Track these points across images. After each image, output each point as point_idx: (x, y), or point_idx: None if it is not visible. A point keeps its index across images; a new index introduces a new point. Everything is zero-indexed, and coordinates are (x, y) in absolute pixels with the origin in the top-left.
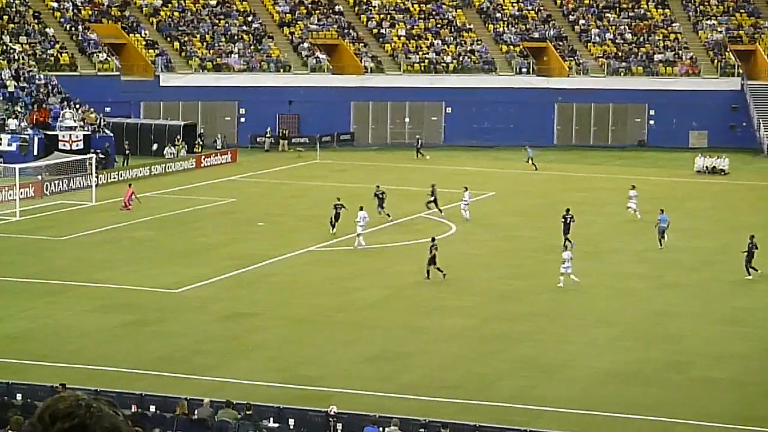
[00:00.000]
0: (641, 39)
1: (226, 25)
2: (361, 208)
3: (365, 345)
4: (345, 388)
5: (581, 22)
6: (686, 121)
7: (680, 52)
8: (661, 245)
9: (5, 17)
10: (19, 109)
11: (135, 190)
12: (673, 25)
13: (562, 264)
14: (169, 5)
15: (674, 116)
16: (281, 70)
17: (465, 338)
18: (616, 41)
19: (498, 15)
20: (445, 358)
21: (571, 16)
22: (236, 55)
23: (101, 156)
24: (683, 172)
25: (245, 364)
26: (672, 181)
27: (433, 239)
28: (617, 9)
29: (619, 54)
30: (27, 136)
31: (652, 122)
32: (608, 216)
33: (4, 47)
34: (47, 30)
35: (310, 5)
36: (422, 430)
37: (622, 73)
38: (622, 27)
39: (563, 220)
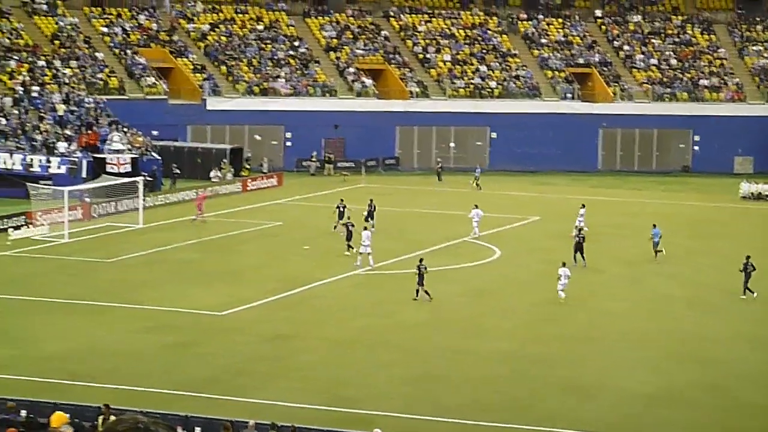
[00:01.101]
0: (686, 65)
1: (273, 49)
2: (365, 228)
3: (407, 367)
4: (386, 411)
5: (626, 47)
6: (731, 146)
7: (725, 77)
8: (656, 257)
9: (56, 42)
10: (69, 132)
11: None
12: (719, 50)
13: (559, 281)
14: (217, 30)
15: (719, 142)
16: (327, 94)
17: (505, 361)
18: (661, 67)
19: (543, 41)
20: (485, 380)
21: (615, 42)
22: (283, 80)
23: (149, 179)
24: (728, 198)
25: (288, 385)
26: (716, 207)
27: (421, 260)
28: (662, 35)
29: (664, 80)
30: (76, 159)
31: (696, 148)
32: (648, 241)
33: (55, 71)
34: (97, 54)
35: (356, 30)
36: None
37: (666, 99)
38: (667, 53)
39: (576, 239)
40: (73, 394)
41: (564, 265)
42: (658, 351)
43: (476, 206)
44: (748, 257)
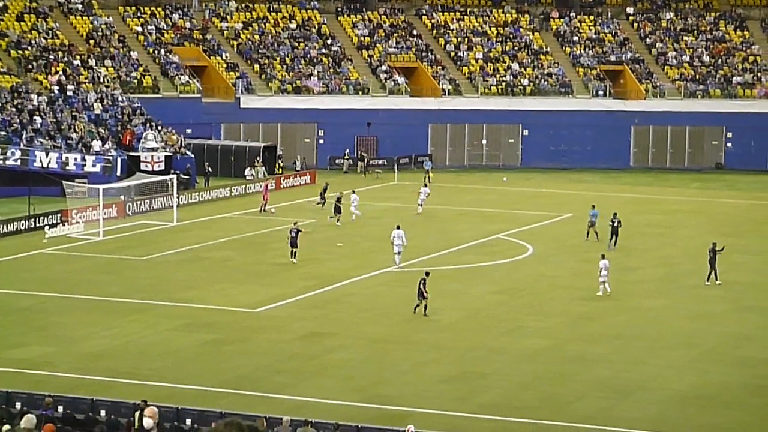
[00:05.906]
0: (719, 61)
1: (306, 48)
2: (398, 227)
3: (443, 365)
4: (422, 408)
5: (658, 45)
6: (765, 143)
7: (759, 74)
8: (587, 237)
9: (92, 42)
10: (103, 131)
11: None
12: (752, 47)
13: (600, 273)
14: (250, 28)
15: (753, 139)
16: (360, 92)
17: (542, 359)
18: (694, 64)
19: (575, 38)
20: (522, 378)
21: (648, 39)
22: (316, 78)
23: (183, 177)
24: (762, 195)
25: (324, 383)
26: (750, 204)
27: (427, 273)
28: (695, 32)
29: (697, 77)
30: (110, 158)
31: (729, 145)
32: (685, 239)
33: (90, 71)
34: (131, 53)
35: (388, 28)
36: None
37: (699, 96)
38: (700, 50)
39: (611, 224)
40: (112, 392)
41: (603, 257)
42: (697, 350)
43: (398, 227)
44: (714, 244)
